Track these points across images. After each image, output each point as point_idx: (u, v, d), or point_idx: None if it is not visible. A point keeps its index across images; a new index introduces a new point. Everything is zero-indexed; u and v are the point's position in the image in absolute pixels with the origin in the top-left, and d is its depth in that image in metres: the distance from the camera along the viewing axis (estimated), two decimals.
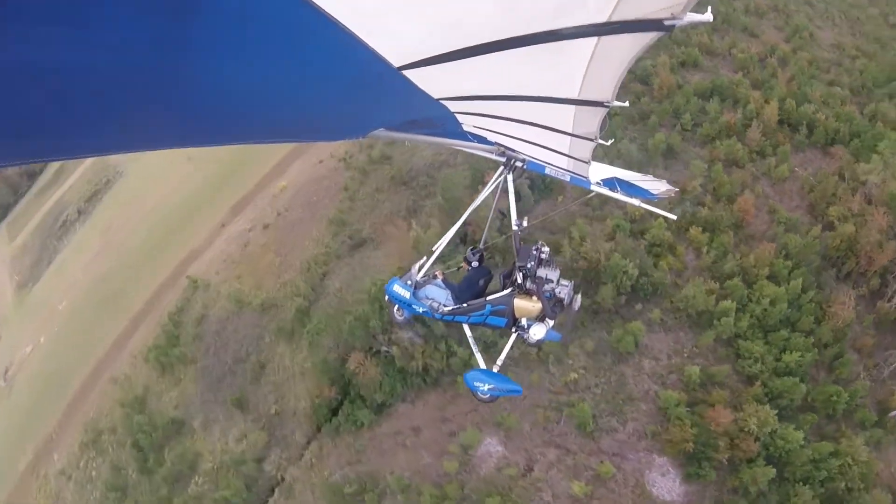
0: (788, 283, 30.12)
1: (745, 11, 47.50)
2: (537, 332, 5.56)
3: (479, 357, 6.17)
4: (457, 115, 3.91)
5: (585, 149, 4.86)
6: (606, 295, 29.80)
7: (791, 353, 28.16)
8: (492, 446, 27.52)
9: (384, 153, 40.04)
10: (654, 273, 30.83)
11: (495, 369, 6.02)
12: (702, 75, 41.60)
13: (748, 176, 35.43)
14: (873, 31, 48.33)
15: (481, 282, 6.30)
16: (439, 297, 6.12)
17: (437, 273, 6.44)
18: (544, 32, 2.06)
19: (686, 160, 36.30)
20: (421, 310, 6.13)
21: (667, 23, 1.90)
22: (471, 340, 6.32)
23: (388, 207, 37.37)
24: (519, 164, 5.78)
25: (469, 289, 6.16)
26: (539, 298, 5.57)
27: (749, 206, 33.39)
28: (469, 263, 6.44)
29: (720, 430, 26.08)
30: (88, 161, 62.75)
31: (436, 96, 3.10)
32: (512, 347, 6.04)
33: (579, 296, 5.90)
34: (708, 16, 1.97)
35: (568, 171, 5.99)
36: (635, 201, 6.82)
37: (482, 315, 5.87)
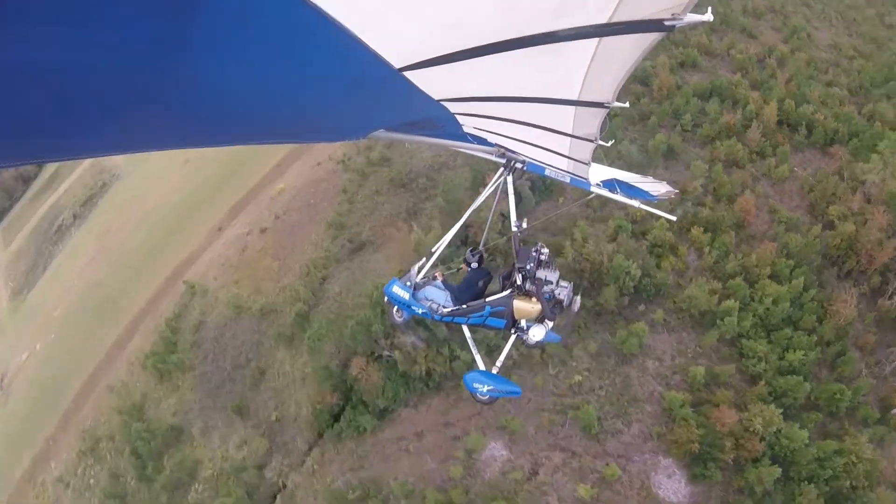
0: (790, 282, 30.18)
1: (743, 12, 47.73)
2: (536, 333, 5.56)
3: (478, 358, 6.18)
4: (457, 117, 3.91)
5: (585, 150, 4.86)
6: (609, 296, 29.77)
7: (794, 351, 28.18)
8: (496, 450, 27.40)
9: (383, 155, 39.95)
10: (656, 274, 30.82)
11: (495, 370, 6.02)
12: (701, 76, 41.74)
13: (748, 176, 35.52)
14: (870, 32, 48.59)
15: (480, 283, 6.30)
16: (438, 298, 6.12)
17: (436, 274, 6.44)
18: (544, 34, 2.06)
19: (686, 161, 36.36)
20: (420, 311, 6.13)
21: (667, 23, 1.90)
22: (470, 342, 6.33)
23: (387, 210, 37.28)
24: (519, 165, 5.79)
25: (468, 290, 6.16)
26: (538, 300, 5.56)
27: (750, 206, 33.48)
28: (468, 265, 6.44)
29: (725, 431, 26.01)
30: (84, 164, 62.56)
31: (436, 97, 3.10)
32: (512, 349, 6.03)
33: (578, 297, 5.90)
34: (708, 16, 1.97)
35: (568, 172, 5.99)
36: (635, 203, 6.83)
37: (481, 316, 5.86)
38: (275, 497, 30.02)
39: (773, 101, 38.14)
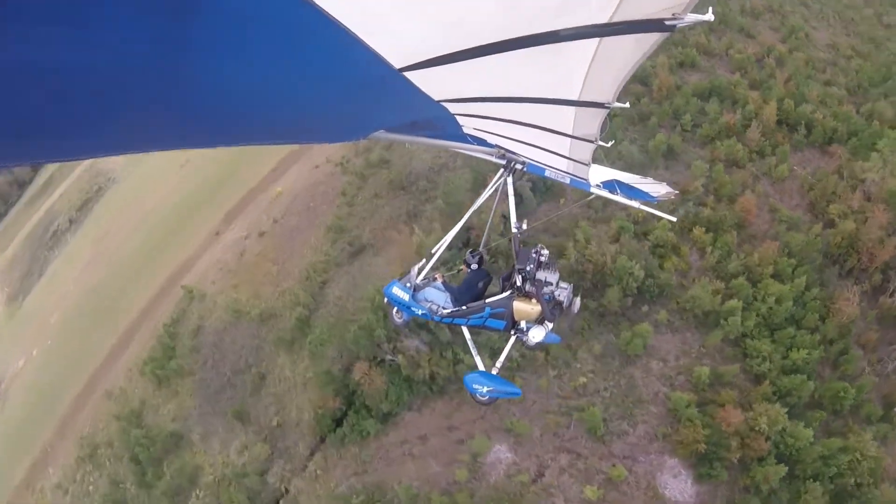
0: (792, 281, 30.25)
1: (742, 12, 47.90)
2: (536, 334, 5.56)
3: (478, 359, 6.18)
4: (457, 117, 3.91)
5: (586, 151, 4.84)
6: (613, 297, 29.75)
7: (798, 350, 28.21)
8: (501, 453, 27.31)
9: (382, 157, 39.77)
10: (659, 274, 30.84)
11: (495, 371, 6.02)
12: (700, 76, 41.85)
13: (749, 176, 35.60)
14: (867, 32, 48.77)
15: (480, 284, 6.29)
16: (438, 299, 6.12)
17: (436, 276, 6.45)
18: (546, 33, 2.05)
19: (687, 161, 36.42)
20: (420, 312, 6.13)
21: (668, 23, 1.89)
22: (470, 343, 6.34)
23: (387, 212, 37.17)
24: (519, 166, 5.78)
25: (468, 291, 6.15)
26: (538, 301, 5.55)
27: (750, 205, 33.56)
28: (468, 266, 6.43)
29: (731, 430, 26.04)
30: (79, 168, 62.28)
31: (436, 98, 3.10)
32: (515, 352, 6.02)
33: (578, 298, 5.91)
34: (709, 15, 1.97)
35: (568, 173, 5.98)
36: (635, 203, 6.82)
37: (481, 317, 5.86)
38: (277, 502, 29.90)
39: (773, 100, 38.29)
